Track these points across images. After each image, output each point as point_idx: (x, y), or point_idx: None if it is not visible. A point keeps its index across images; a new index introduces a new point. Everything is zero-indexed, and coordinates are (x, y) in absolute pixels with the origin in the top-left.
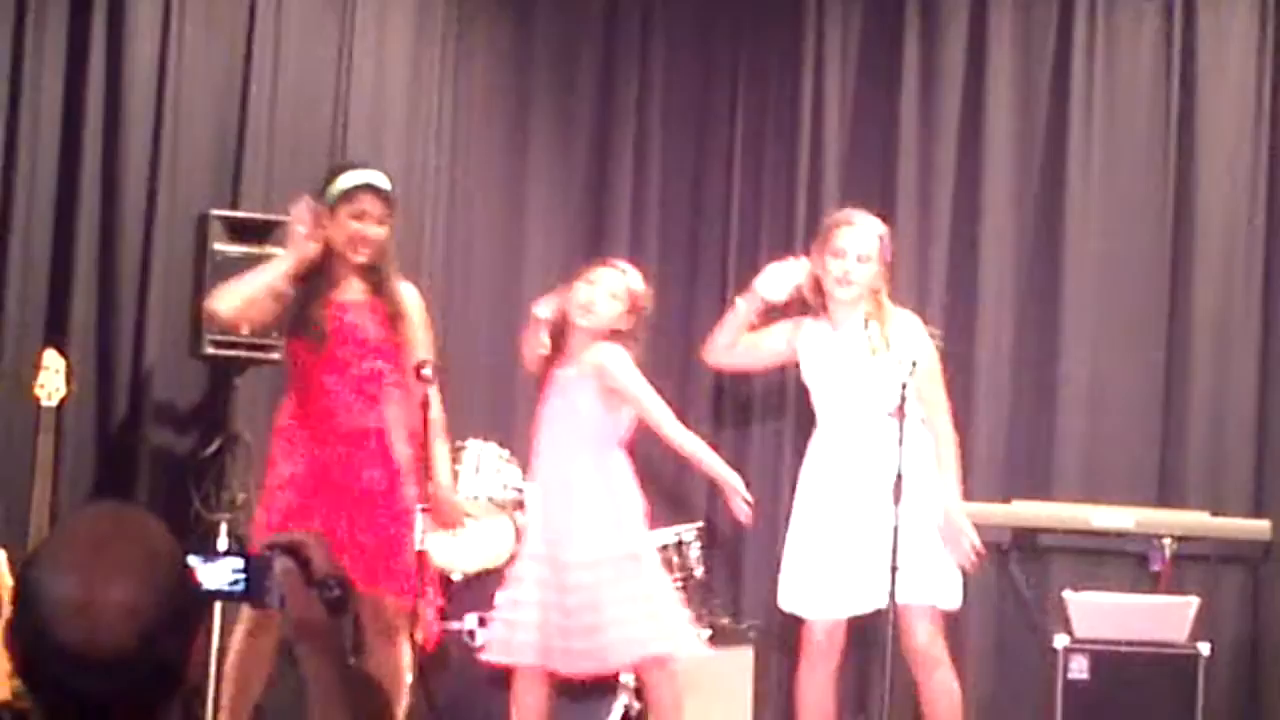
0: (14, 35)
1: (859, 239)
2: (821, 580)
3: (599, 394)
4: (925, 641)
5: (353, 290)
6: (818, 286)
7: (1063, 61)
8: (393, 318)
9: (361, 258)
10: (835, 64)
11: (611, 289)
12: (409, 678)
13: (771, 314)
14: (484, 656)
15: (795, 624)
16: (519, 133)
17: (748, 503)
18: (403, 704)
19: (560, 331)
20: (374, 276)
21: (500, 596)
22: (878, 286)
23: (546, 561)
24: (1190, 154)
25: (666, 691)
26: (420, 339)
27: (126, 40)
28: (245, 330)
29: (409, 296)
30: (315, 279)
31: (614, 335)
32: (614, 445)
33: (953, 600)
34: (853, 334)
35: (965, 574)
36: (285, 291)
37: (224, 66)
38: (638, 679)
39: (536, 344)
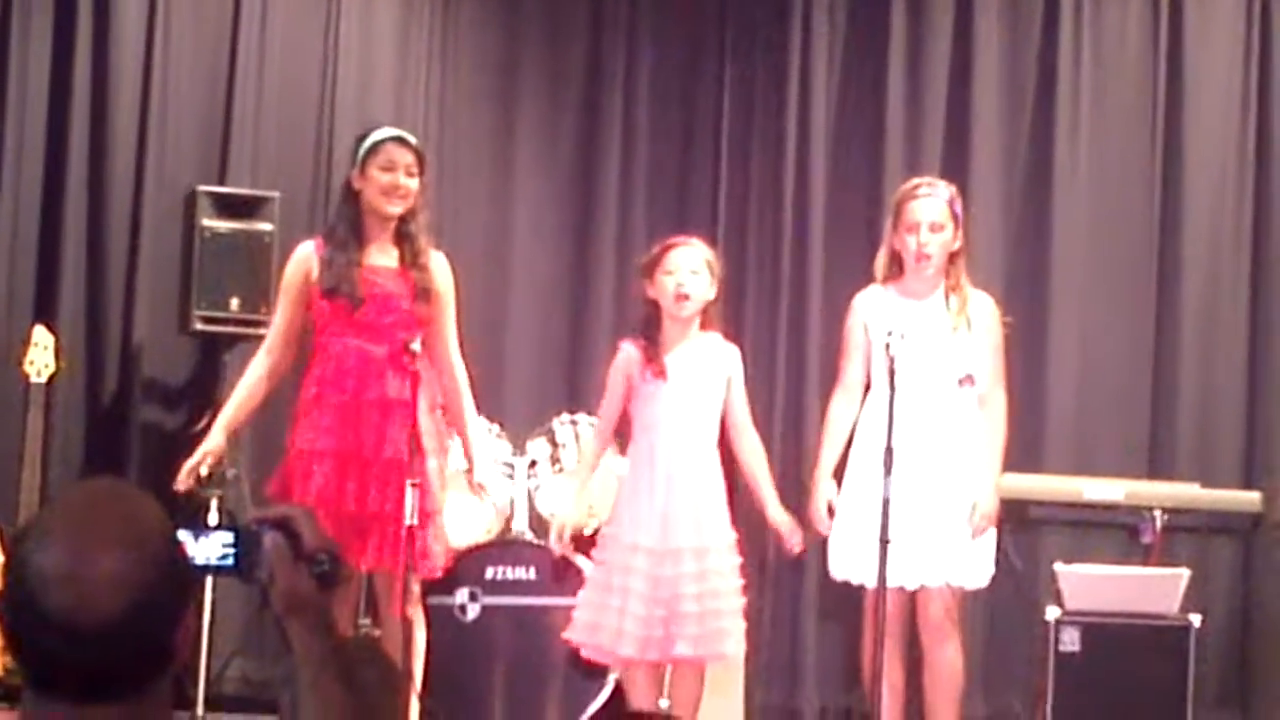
0: (0, 12)
1: (929, 209)
2: (891, 548)
3: (721, 386)
4: (938, 616)
5: (385, 256)
6: (895, 259)
7: (1050, 36)
8: (422, 291)
9: (396, 206)
10: (823, 41)
11: (691, 267)
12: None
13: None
14: (579, 642)
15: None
16: (507, 107)
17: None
18: (418, 672)
19: (652, 319)
20: (406, 242)
21: (597, 585)
22: (955, 249)
23: (652, 550)
24: (1177, 127)
25: (698, 686)
26: (450, 314)
27: (113, 16)
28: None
29: (440, 270)
30: (348, 240)
31: (707, 306)
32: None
33: (980, 579)
34: (933, 306)
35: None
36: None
37: (211, 41)
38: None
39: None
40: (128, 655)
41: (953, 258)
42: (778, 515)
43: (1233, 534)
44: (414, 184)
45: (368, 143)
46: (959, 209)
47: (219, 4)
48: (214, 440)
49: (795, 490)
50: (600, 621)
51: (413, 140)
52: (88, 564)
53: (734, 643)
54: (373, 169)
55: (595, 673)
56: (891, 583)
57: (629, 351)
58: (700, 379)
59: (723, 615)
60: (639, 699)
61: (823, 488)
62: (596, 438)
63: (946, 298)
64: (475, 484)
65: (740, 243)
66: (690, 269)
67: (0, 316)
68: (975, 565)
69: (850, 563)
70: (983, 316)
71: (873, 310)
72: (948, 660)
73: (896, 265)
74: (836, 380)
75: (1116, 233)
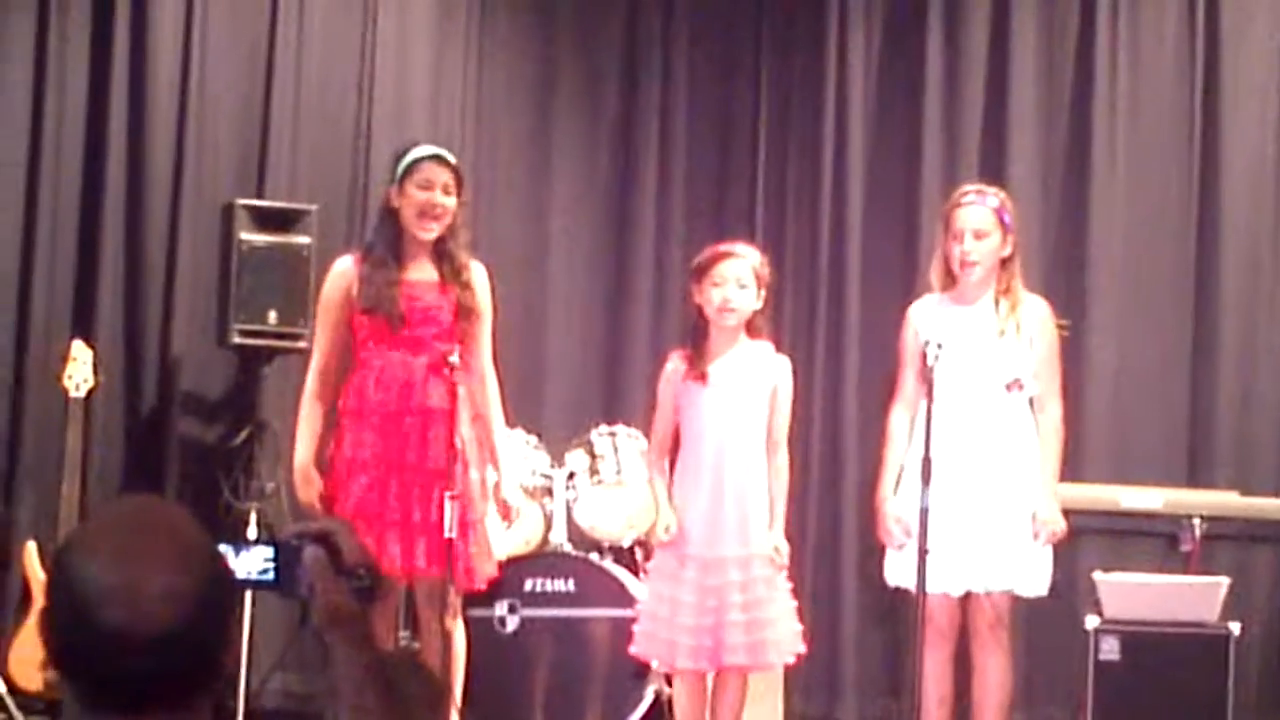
0: (38, 27)
1: (973, 217)
2: (940, 555)
3: (766, 394)
4: (990, 624)
5: (424, 270)
6: (947, 267)
7: (1086, 40)
8: (462, 304)
9: (430, 233)
10: (859, 46)
11: (738, 278)
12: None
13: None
14: (642, 655)
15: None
16: (543, 116)
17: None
18: (458, 684)
19: (699, 324)
20: (445, 258)
21: (653, 596)
22: (1005, 255)
23: (700, 559)
24: (1215, 131)
25: (741, 695)
26: (486, 327)
27: (150, 30)
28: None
29: (479, 281)
30: (387, 258)
31: (754, 316)
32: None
33: (1037, 587)
34: (981, 311)
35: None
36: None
37: (248, 55)
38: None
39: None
40: (181, 667)
41: (1004, 263)
42: (775, 538)
43: (1272, 542)
44: (451, 202)
45: (406, 160)
46: (1008, 216)
47: (255, 17)
48: (313, 486)
49: (832, 495)
50: (655, 633)
51: (451, 159)
52: (138, 578)
53: (779, 653)
54: (410, 187)
55: (635, 684)
56: (941, 590)
57: (676, 363)
58: (744, 386)
59: (767, 625)
60: (685, 711)
61: (890, 505)
62: (654, 453)
63: (996, 302)
64: (501, 499)
65: (778, 248)
66: (738, 282)
67: (39, 332)
68: (1031, 573)
69: (905, 570)
70: (1034, 321)
71: (923, 320)
72: (996, 670)
73: (950, 273)
74: (895, 393)
75: (1154, 238)
